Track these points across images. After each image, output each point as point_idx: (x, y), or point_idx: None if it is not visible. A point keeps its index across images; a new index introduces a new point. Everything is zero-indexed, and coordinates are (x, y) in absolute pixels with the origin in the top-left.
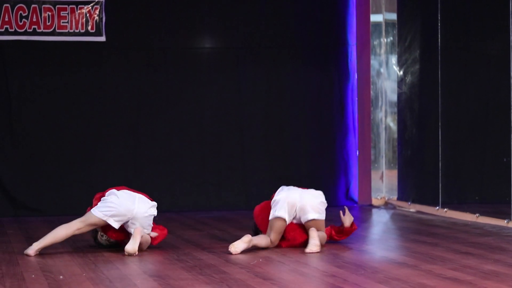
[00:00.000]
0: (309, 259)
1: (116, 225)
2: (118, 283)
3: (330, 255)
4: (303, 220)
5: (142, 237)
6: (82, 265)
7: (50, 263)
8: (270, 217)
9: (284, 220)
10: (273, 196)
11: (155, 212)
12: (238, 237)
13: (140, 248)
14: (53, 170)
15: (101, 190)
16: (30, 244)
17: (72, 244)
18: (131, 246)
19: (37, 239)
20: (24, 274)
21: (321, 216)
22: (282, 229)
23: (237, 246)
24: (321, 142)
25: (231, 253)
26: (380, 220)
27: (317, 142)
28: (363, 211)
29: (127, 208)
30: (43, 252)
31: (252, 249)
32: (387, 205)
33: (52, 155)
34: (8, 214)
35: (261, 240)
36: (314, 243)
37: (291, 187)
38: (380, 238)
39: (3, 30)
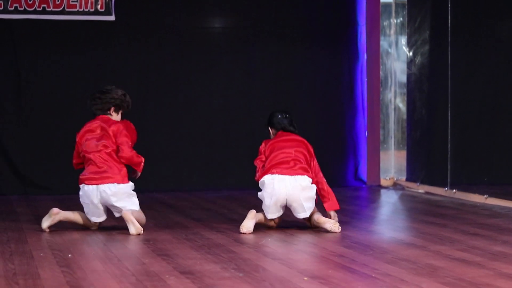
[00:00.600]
0: (317, 239)
1: (101, 219)
2: (126, 261)
3: (338, 236)
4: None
5: (133, 213)
6: (91, 244)
7: (59, 242)
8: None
9: (278, 218)
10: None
11: (123, 188)
12: (245, 217)
13: (141, 223)
14: (61, 148)
15: None
16: (40, 223)
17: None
18: (134, 230)
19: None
20: (33, 252)
21: (311, 210)
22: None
23: (248, 226)
24: (330, 122)
25: (243, 233)
26: (388, 200)
27: (326, 122)
28: (372, 192)
29: (94, 205)
30: (52, 231)
31: (260, 228)
32: (395, 185)
33: (61, 133)
34: (17, 192)
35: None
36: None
37: (277, 177)
38: (388, 219)
39: (12, 9)
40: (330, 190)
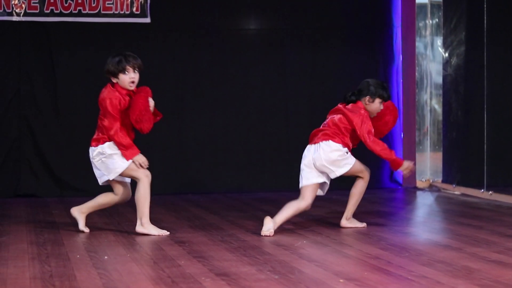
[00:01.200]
0: (353, 241)
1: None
2: (162, 263)
3: (374, 237)
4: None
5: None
6: (127, 246)
7: (95, 244)
8: (301, 186)
9: (316, 184)
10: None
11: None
12: None
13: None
14: None
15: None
16: (76, 225)
17: (117, 225)
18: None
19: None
20: (69, 254)
21: (347, 166)
22: (315, 191)
23: (268, 230)
24: None
25: (265, 236)
26: (424, 202)
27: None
28: (408, 193)
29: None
30: (88, 233)
31: (296, 230)
32: (431, 187)
33: None
34: (54, 194)
35: (287, 212)
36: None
37: (305, 154)
38: (424, 221)
39: (48, 11)
40: (384, 152)
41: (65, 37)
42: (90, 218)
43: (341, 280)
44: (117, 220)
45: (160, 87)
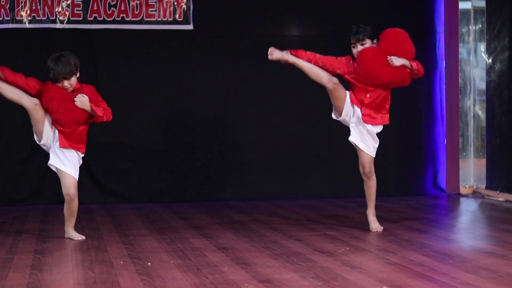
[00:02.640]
0: (396, 247)
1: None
2: (205, 270)
3: (417, 244)
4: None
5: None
6: (170, 252)
7: (138, 250)
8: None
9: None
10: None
11: None
12: (325, 225)
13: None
14: (141, 157)
15: (191, 178)
16: (119, 231)
17: (160, 232)
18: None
19: (124, 226)
20: (112, 261)
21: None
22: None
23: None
24: (408, 130)
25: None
26: (468, 209)
27: (405, 130)
28: (451, 200)
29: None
30: (131, 240)
31: (340, 238)
32: (475, 194)
33: (140, 142)
34: (97, 200)
35: (311, 66)
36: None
37: None
38: (468, 227)
39: (92, 19)
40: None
41: (108, 44)
42: (133, 225)
43: (384, 287)
44: (160, 226)
45: (203, 94)
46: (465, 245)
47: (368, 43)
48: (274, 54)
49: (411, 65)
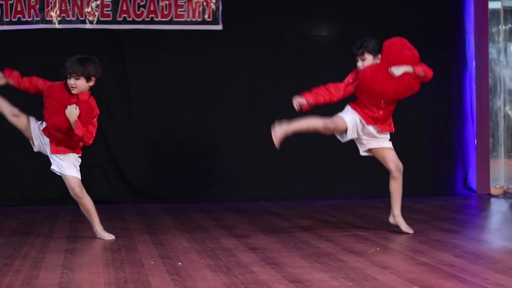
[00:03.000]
0: (426, 248)
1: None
2: (235, 270)
3: (448, 244)
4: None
5: None
6: (200, 252)
7: (168, 250)
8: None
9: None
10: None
11: None
12: (355, 225)
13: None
14: (171, 157)
15: (221, 178)
16: (149, 231)
17: (190, 232)
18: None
19: (155, 225)
20: (143, 261)
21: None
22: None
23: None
24: (438, 130)
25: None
26: (498, 209)
27: (435, 130)
28: (482, 200)
29: None
30: (161, 239)
31: (370, 238)
32: (506, 194)
33: (170, 142)
34: (127, 201)
35: (307, 123)
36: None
37: None
38: (498, 228)
39: (121, 19)
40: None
41: (137, 44)
42: (163, 225)
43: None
44: (190, 226)
45: (232, 94)
46: (496, 245)
47: (369, 59)
48: (277, 135)
49: (414, 70)
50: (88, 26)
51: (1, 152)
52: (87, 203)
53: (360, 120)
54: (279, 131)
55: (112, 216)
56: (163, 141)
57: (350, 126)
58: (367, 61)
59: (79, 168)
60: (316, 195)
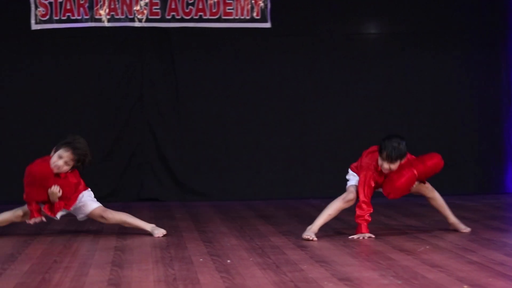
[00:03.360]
0: (476, 246)
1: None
2: (284, 267)
3: (498, 243)
4: None
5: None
6: (249, 250)
7: (217, 247)
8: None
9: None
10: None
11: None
12: (405, 223)
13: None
14: (219, 155)
15: (270, 176)
16: (198, 229)
17: (239, 229)
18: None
19: (204, 223)
20: (192, 258)
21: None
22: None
23: (309, 235)
24: (488, 127)
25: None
26: None
27: (484, 127)
28: None
29: None
30: (211, 237)
31: (419, 235)
32: None
33: (219, 141)
34: (176, 198)
35: (329, 212)
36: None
37: None
38: None
39: (170, 17)
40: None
41: (186, 42)
42: (212, 223)
43: (465, 286)
44: (239, 224)
45: (280, 92)
46: None
47: (397, 164)
48: (309, 238)
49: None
50: (137, 24)
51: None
52: (119, 218)
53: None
54: (309, 234)
55: (161, 214)
56: (211, 138)
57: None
58: (395, 165)
59: (93, 196)
60: None
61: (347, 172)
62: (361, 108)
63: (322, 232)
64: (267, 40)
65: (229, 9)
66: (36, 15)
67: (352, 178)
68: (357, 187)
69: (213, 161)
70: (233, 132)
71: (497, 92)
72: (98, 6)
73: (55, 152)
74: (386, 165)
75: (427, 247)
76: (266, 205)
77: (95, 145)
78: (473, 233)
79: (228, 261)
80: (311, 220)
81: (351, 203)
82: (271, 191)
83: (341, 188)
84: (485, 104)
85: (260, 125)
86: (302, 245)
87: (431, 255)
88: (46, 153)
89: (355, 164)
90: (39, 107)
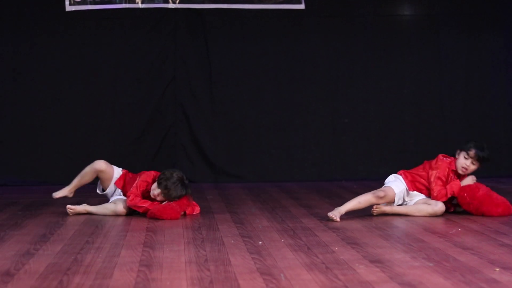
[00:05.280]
0: (508, 229)
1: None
2: (316, 249)
3: None
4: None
5: None
6: (281, 232)
7: (249, 229)
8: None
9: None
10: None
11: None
12: None
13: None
14: (252, 136)
15: (302, 158)
16: (230, 210)
17: (271, 211)
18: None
19: (235, 204)
20: (223, 239)
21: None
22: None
23: (335, 214)
24: None
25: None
26: None
27: None
28: None
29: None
30: (242, 219)
31: (450, 218)
32: None
33: (251, 122)
34: (208, 180)
35: (359, 200)
36: None
37: None
38: None
39: None
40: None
41: (219, 24)
42: (244, 204)
43: (496, 269)
44: (271, 206)
45: (314, 74)
46: None
47: (477, 166)
48: (335, 218)
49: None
50: (171, 5)
51: (84, 134)
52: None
53: (406, 188)
54: (335, 214)
55: (193, 195)
56: (244, 120)
57: (400, 190)
58: (474, 167)
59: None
60: None
61: (378, 154)
62: (394, 91)
63: (354, 214)
64: (300, 22)
65: None
66: None
67: (394, 181)
68: (392, 189)
69: (246, 143)
70: (265, 114)
71: None
72: None
73: None
74: (468, 163)
75: (459, 229)
76: (298, 187)
77: (128, 126)
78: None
79: (260, 242)
80: (343, 202)
81: (380, 200)
82: (303, 173)
83: (373, 171)
84: None
85: (293, 107)
86: (334, 227)
87: (463, 238)
88: (78, 130)
89: (405, 171)
90: (72, 89)
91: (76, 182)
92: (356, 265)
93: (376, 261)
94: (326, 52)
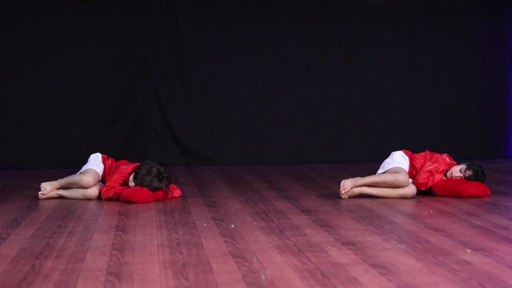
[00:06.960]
0: (480, 211)
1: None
2: (288, 232)
3: (501, 207)
4: None
5: None
6: (253, 214)
7: (221, 212)
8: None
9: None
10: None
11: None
12: None
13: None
14: (224, 120)
15: (274, 140)
16: (202, 193)
17: (243, 194)
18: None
19: (208, 188)
20: (196, 223)
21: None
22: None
23: (346, 188)
24: (493, 93)
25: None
26: None
27: (490, 93)
28: None
29: None
30: (215, 202)
31: (423, 200)
32: None
33: (223, 105)
34: (180, 163)
35: (376, 180)
36: None
37: None
38: None
39: None
40: None
41: (191, 7)
42: (216, 187)
43: (468, 250)
44: (243, 189)
45: (285, 57)
46: None
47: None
48: (347, 187)
49: None
50: None
51: (56, 118)
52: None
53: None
54: (349, 183)
55: None
56: (216, 103)
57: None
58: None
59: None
60: (370, 157)
61: (350, 137)
62: (366, 74)
63: (326, 197)
64: (273, 5)
65: None
66: None
67: (400, 161)
68: (407, 173)
69: (218, 126)
70: (237, 97)
71: (504, 57)
72: None
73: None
74: (458, 176)
75: (431, 211)
76: (270, 170)
77: (100, 109)
78: (476, 197)
79: (232, 225)
80: (315, 185)
81: (400, 185)
82: (275, 155)
83: (345, 153)
84: (491, 70)
85: (265, 90)
86: (306, 209)
87: (435, 219)
88: (49, 114)
89: (409, 152)
90: (43, 73)
91: (63, 182)
92: (329, 247)
93: (348, 243)
94: (299, 35)
